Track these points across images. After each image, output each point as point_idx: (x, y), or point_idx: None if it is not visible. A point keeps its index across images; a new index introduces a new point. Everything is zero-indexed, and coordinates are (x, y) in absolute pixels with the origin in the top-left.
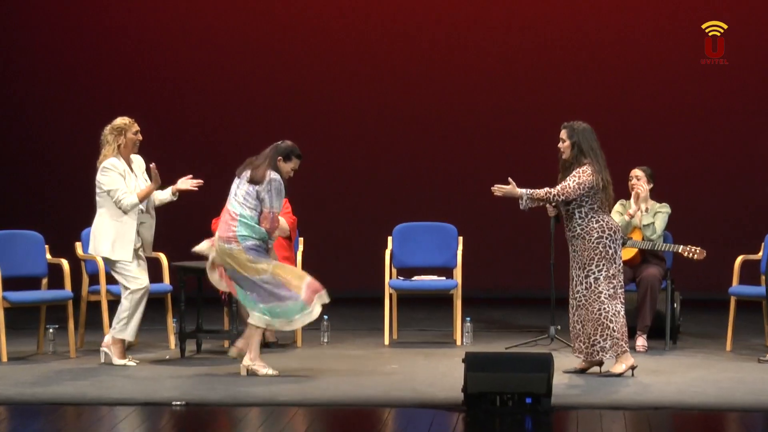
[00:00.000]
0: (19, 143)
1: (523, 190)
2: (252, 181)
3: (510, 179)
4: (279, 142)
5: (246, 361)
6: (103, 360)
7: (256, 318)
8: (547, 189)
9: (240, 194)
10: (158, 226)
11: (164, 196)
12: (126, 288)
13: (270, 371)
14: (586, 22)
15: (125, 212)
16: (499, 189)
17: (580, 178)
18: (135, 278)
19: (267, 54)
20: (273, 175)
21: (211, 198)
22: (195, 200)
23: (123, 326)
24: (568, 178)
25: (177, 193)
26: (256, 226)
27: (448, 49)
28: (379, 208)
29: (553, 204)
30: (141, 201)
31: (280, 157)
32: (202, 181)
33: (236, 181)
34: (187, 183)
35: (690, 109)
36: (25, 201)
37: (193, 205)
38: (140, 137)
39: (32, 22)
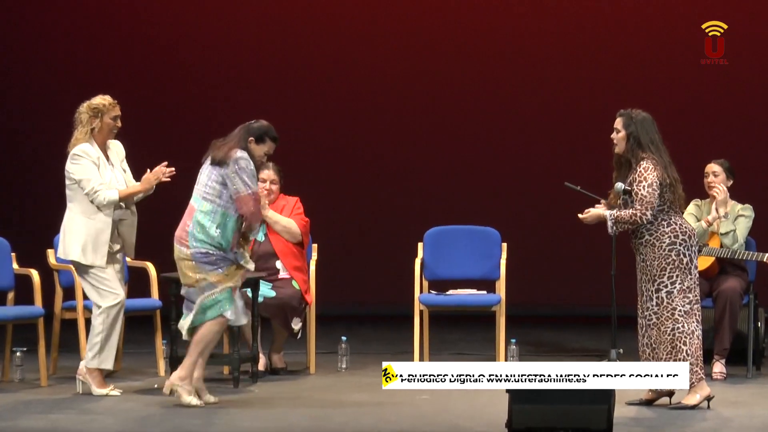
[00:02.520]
0: None
1: (607, 213)
2: (214, 161)
3: (601, 204)
4: (251, 122)
5: (174, 377)
6: (79, 390)
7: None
8: (629, 212)
9: (202, 181)
10: (146, 231)
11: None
12: (98, 306)
13: (195, 401)
14: (586, 22)
15: (99, 208)
16: (588, 217)
17: (646, 179)
18: (110, 291)
19: (281, 40)
20: (239, 153)
21: None
22: (186, 201)
23: (97, 353)
24: (635, 187)
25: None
26: (214, 227)
27: (493, 39)
28: (408, 209)
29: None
30: (122, 200)
31: (251, 138)
32: (173, 169)
33: (201, 169)
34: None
35: (689, 109)
36: None
37: (184, 207)
38: (119, 124)
39: None
